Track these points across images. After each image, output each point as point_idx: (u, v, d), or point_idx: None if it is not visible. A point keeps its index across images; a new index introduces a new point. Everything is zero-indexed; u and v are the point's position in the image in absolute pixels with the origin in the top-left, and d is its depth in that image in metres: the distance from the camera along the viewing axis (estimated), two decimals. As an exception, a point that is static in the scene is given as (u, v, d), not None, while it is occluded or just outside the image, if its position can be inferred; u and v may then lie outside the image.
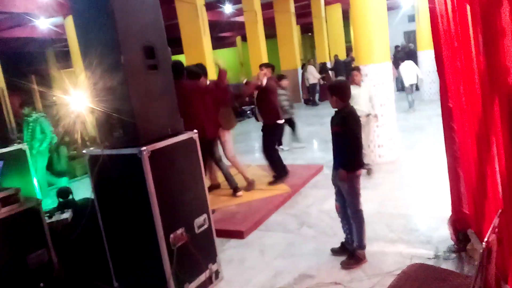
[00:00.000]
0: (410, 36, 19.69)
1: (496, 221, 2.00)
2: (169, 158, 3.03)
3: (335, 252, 3.60)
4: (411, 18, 19.36)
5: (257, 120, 6.13)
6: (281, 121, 5.95)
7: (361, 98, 5.46)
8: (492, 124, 2.25)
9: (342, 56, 17.14)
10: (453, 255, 3.29)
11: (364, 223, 3.43)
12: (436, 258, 3.29)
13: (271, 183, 5.62)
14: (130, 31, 2.86)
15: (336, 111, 3.37)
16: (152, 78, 3.02)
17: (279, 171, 5.74)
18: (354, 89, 4.92)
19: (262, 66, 6.07)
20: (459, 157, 3.14)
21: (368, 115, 5.58)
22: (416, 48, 12.08)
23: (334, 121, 3.35)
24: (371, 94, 5.56)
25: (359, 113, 4.71)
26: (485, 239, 1.79)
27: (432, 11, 3.03)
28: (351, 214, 3.43)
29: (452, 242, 3.42)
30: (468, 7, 2.34)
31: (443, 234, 3.60)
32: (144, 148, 2.80)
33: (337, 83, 3.54)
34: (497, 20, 1.88)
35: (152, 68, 3.01)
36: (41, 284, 3.08)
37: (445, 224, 3.64)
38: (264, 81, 5.57)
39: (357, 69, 5.63)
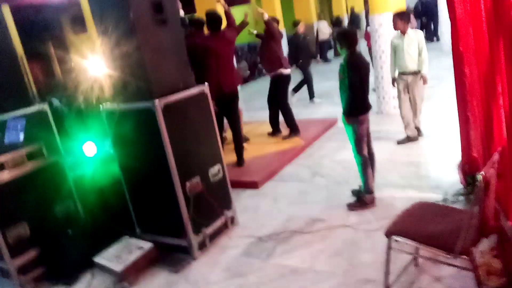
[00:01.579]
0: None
1: (495, 156, 2.05)
2: (181, 111, 3.14)
3: (354, 193, 3.74)
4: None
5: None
6: (286, 71, 5.65)
7: (404, 52, 4.63)
8: (497, 64, 2.25)
9: (360, 9, 16.57)
10: (462, 197, 3.36)
11: (368, 168, 3.50)
12: (444, 201, 3.37)
13: (284, 137, 5.67)
14: (137, -14, 2.89)
15: (343, 58, 3.39)
16: (162, 33, 3.07)
17: (293, 125, 5.70)
18: (397, 39, 4.73)
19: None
20: (469, 100, 3.14)
21: (414, 73, 4.66)
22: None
23: (340, 68, 3.40)
24: (420, 47, 4.58)
25: (401, 70, 4.74)
26: (482, 172, 1.85)
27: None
28: (355, 159, 3.52)
29: (462, 186, 3.48)
30: None
31: (453, 179, 3.66)
32: (157, 101, 2.90)
33: (340, 31, 3.56)
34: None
35: (161, 22, 3.06)
36: (69, 231, 3.32)
37: (455, 169, 3.70)
38: (266, 16, 5.35)
39: (398, 14, 4.69)
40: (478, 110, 2.88)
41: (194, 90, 3.26)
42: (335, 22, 14.48)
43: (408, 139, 4.88)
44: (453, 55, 3.23)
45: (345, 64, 3.30)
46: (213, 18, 4.70)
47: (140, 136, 3.12)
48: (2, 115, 3.22)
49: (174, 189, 3.05)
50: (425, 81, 4.72)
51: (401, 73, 4.78)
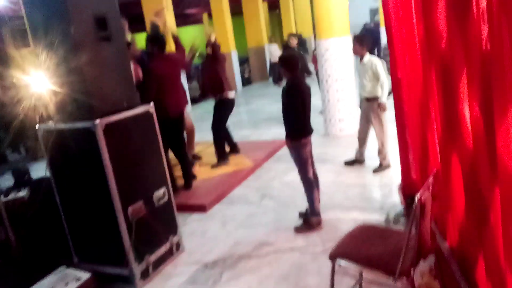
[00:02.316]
0: (376, 13, 19.92)
1: (430, 179, 2.14)
2: (124, 131, 3.02)
3: (301, 216, 3.74)
4: (376, -5, 19.59)
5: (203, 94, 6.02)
6: (230, 95, 5.42)
7: (360, 77, 4.61)
8: (430, 91, 2.37)
9: (310, 33, 17.20)
10: (402, 218, 3.48)
11: (314, 190, 3.55)
12: (386, 222, 3.48)
13: (213, 166, 5.42)
14: (80, 1, 2.79)
15: (286, 82, 3.47)
16: (105, 50, 2.98)
17: (221, 153, 5.49)
18: (358, 64, 4.68)
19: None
20: (407, 125, 3.30)
21: (367, 100, 4.56)
22: (379, 24, 12.27)
23: (281, 92, 3.46)
24: (376, 73, 4.43)
25: (359, 96, 4.68)
26: (418, 195, 1.92)
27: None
28: (301, 182, 3.56)
29: (402, 207, 3.61)
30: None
31: (395, 201, 3.79)
32: (98, 121, 2.78)
33: (284, 55, 3.65)
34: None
35: (105, 39, 2.97)
36: (-2, 262, 3.06)
37: (396, 191, 3.84)
38: (213, 37, 5.26)
39: (355, 38, 4.68)
40: (416, 134, 3.02)
41: (138, 110, 3.17)
42: (286, 46, 14.88)
43: (356, 162, 4.96)
44: (392, 81, 3.40)
45: (288, 89, 3.37)
46: (156, 37, 4.54)
47: (79, 157, 2.96)
48: None
49: (115, 214, 2.90)
50: (382, 108, 4.49)
51: (360, 98, 4.77)
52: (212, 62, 5.39)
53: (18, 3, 12.55)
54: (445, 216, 2.47)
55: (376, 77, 4.45)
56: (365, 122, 4.71)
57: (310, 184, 3.50)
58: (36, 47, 2.98)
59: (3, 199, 3.36)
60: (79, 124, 2.86)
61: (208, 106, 5.56)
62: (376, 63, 4.45)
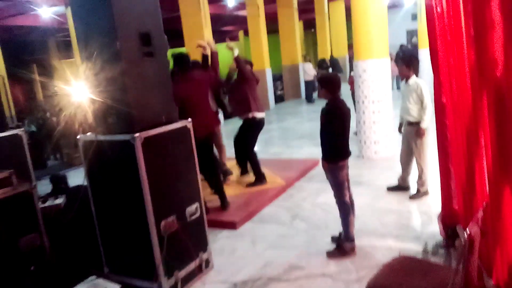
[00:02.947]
0: (413, 35, 19.62)
1: (480, 213, 2.02)
2: (162, 146, 3.05)
3: (333, 240, 3.64)
4: (414, 17, 19.33)
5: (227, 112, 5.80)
6: (259, 115, 5.22)
7: (402, 100, 4.46)
8: (481, 118, 2.26)
9: (344, 53, 17.13)
10: (442, 250, 3.31)
11: (350, 215, 3.45)
12: (424, 253, 3.32)
13: (248, 185, 5.31)
14: (126, 17, 2.87)
15: (325, 103, 3.40)
16: (148, 65, 3.03)
17: (258, 173, 5.32)
18: (402, 85, 4.55)
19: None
20: (450, 153, 3.16)
21: (410, 124, 4.41)
22: (418, 46, 12.05)
23: (321, 112, 3.39)
24: (421, 95, 4.27)
25: (400, 119, 4.53)
26: (467, 231, 1.81)
27: (429, 7, 3.03)
28: (337, 205, 3.46)
29: (442, 238, 3.44)
30: (461, 0, 2.35)
31: (433, 230, 3.62)
32: (137, 134, 2.81)
33: (325, 76, 3.60)
34: (487, 12, 1.89)
35: (148, 55, 3.02)
36: (32, 268, 3.11)
37: (435, 220, 3.67)
38: (236, 52, 5.01)
39: (401, 58, 4.59)
40: (460, 163, 2.88)
41: (176, 125, 3.19)
42: (320, 64, 14.88)
43: (398, 188, 4.76)
44: (435, 106, 3.27)
45: (328, 110, 3.30)
46: (177, 57, 4.43)
47: (117, 169, 3.00)
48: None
49: (148, 227, 2.90)
50: (420, 134, 4.32)
51: (401, 122, 4.60)
52: (239, 81, 5.20)
53: (64, 15, 13.15)
54: (492, 252, 2.32)
55: (420, 101, 4.29)
56: (407, 146, 4.55)
57: (346, 208, 3.40)
58: (81, 59, 3.07)
59: (40, 205, 3.44)
60: (119, 137, 2.90)
61: (239, 122, 5.52)
62: (422, 86, 4.30)
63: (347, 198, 3.41)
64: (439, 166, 3.35)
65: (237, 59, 5.03)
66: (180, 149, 3.22)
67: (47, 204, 3.61)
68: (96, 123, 3.08)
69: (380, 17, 5.89)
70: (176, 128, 3.18)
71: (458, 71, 2.61)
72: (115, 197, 3.08)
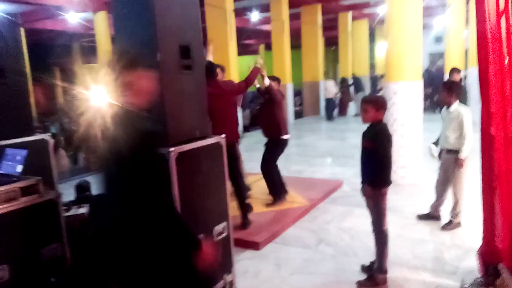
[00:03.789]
0: (435, 58, 19.44)
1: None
2: (195, 161, 2.94)
3: (364, 269, 3.49)
4: (438, 39, 19.18)
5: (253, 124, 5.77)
6: (286, 136, 5.22)
7: (443, 126, 4.30)
8: (545, 156, 2.11)
9: (365, 72, 17.03)
10: (481, 288, 3.12)
11: (387, 246, 3.29)
12: (462, 290, 3.13)
13: (268, 205, 5.17)
14: (168, 29, 2.80)
15: (369, 126, 3.25)
16: (186, 79, 2.95)
17: (277, 191, 5.24)
18: (443, 111, 4.37)
19: (269, 77, 5.18)
20: (496, 187, 2.98)
21: (448, 152, 4.24)
22: (444, 70, 11.88)
23: (366, 136, 3.24)
24: (461, 123, 4.08)
25: (440, 147, 4.34)
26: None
27: (481, 28, 2.88)
28: (374, 234, 3.30)
29: (479, 275, 3.25)
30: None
31: (470, 265, 3.44)
32: (172, 149, 2.72)
33: (375, 96, 3.45)
34: None
35: (187, 68, 2.95)
36: (52, 279, 3.00)
37: (472, 255, 3.48)
38: (267, 81, 4.95)
39: (444, 83, 4.48)
40: (509, 201, 2.71)
41: (210, 140, 3.09)
42: (342, 82, 14.80)
43: (428, 216, 4.58)
44: (482, 138, 3.10)
45: (380, 133, 3.16)
46: (207, 68, 4.37)
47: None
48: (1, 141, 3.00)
49: (176, 246, 2.78)
50: (459, 164, 4.15)
51: (441, 148, 4.41)
52: (269, 104, 5.13)
53: (90, 21, 13.33)
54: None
55: (460, 129, 4.11)
56: (444, 174, 4.36)
57: (384, 238, 3.23)
58: (113, 67, 3.00)
59: (64, 213, 3.35)
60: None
61: (258, 136, 5.40)
62: (463, 113, 4.11)
63: (386, 227, 3.25)
64: (483, 200, 3.17)
65: (269, 88, 4.99)
66: (212, 166, 3.11)
67: (70, 213, 3.52)
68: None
69: (415, 37, 5.76)
70: (209, 144, 3.08)
71: (516, 102, 2.46)
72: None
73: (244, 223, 4.50)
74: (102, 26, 13.15)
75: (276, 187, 5.27)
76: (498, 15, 2.68)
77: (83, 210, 3.57)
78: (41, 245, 3.05)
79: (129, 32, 2.86)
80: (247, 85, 4.67)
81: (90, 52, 17.28)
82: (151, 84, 2.46)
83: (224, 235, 3.22)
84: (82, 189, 3.86)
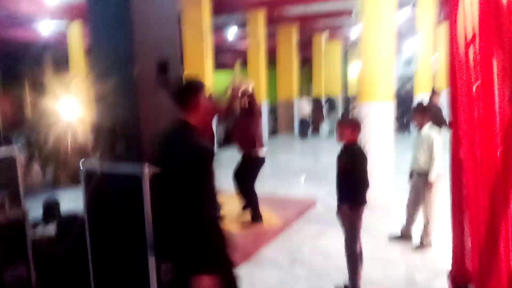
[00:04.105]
0: (405, 81, 20.05)
1: None
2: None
3: None
4: (407, 63, 19.86)
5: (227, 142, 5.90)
6: (261, 152, 5.15)
7: (414, 148, 4.36)
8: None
9: (338, 92, 17.40)
10: (452, 310, 3.16)
11: (360, 266, 3.31)
12: (434, 311, 3.17)
13: (244, 224, 5.12)
14: (146, 45, 2.77)
15: (344, 147, 3.30)
16: (162, 95, 2.91)
17: (257, 211, 5.16)
18: (416, 134, 4.46)
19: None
20: (465, 210, 3.06)
21: (419, 174, 4.30)
22: (413, 93, 12.26)
23: (343, 156, 3.29)
24: (431, 146, 4.16)
25: (411, 168, 4.41)
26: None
27: (451, 58, 3.00)
28: (347, 255, 3.32)
29: (450, 296, 3.31)
30: (494, 60, 2.32)
31: (441, 286, 3.49)
32: (146, 168, 2.65)
33: (351, 118, 3.55)
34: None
35: (163, 83, 2.91)
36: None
37: (442, 275, 3.53)
38: (250, 87, 4.91)
39: (418, 106, 4.57)
40: (479, 222, 2.78)
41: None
42: (315, 102, 15.07)
43: (400, 237, 4.63)
44: (451, 161, 3.19)
45: (357, 152, 3.22)
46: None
47: (121, 203, 2.81)
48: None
49: (148, 270, 2.69)
50: (428, 187, 4.24)
51: (412, 170, 4.48)
52: (246, 117, 5.01)
53: (62, 32, 13.03)
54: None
55: (429, 151, 4.21)
56: (415, 196, 4.45)
57: (357, 259, 3.26)
58: (91, 81, 2.95)
59: (31, 234, 3.20)
60: (126, 168, 2.74)
61: (231, 154, 5.40)
62: (433, 137, 4.21)
63: (358, 248, 3.27)
64: (452, 222, 3.24)
65: (252, 96, 4.97)
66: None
67: (37, 231, 3.36)
68: (101, 149, 2.92)
69: (388, 59, 5.90)
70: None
71: (485, 127, 2.55)
72: (115, 233, 2.87)
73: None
74: (74, 37, 12.92)
75: (257, 209, 5.19)
76: (467, 44, 2.80)
77: (50, 228, 3.42)
78: (5, 267, 2.90)
79: (105, 45, 2.82)
80: (227, 114, 4.83)
81: (61, 63, 16.87)
82: None
83: (197, 256, 3.15)
84: (50, 207, 3.71)
